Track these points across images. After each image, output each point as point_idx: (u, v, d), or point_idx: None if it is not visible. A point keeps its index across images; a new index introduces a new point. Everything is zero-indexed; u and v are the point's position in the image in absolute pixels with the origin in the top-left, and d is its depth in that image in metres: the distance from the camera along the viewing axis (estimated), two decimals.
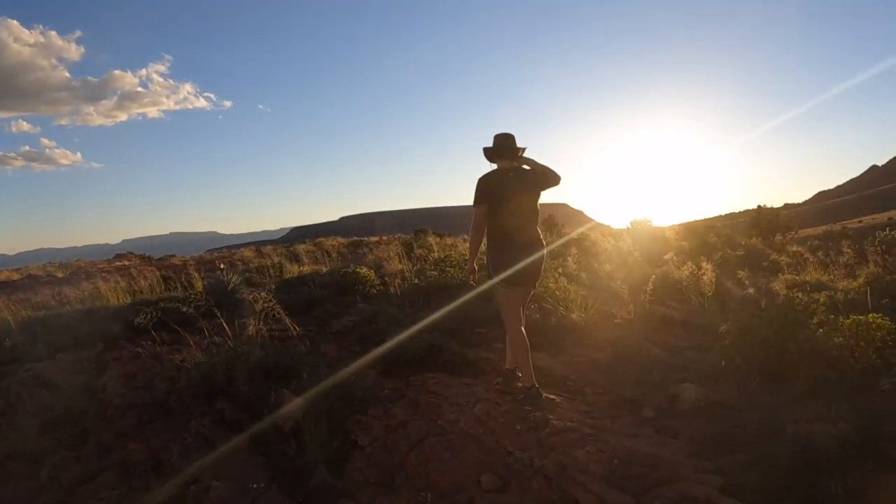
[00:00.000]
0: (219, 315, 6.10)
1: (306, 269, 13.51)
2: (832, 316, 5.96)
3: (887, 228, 24.06)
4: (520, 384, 5.00)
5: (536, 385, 4.85)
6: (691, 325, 7.73)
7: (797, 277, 10.80)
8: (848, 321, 5.60)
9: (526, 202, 4.92)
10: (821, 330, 5.72)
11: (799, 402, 4.76)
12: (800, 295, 6.50)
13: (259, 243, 34.18)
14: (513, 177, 4.92)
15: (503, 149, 4.97)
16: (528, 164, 5.04)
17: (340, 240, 29.49)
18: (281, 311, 6.22)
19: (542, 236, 5.06)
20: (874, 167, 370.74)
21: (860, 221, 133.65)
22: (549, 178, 5.00)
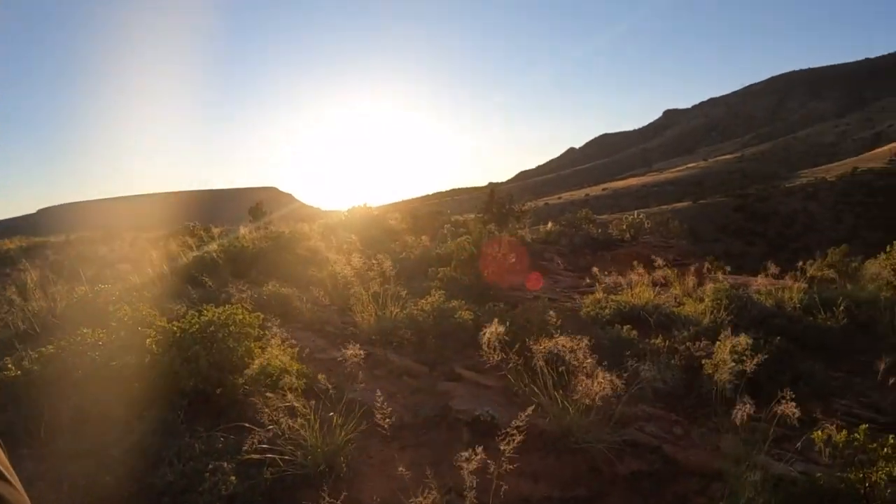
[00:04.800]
0: None
1: None
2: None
3: (636, 212, 24.99)
4: None
5: None
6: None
7: (619, 298, 8.70)
8: None
9: None
10: None
11: None
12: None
13: None
14: None
15: None
16: None
17: (19, 241, 23.18)
18: None
19: None
20: (572, 149, 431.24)
21: (560, 198, 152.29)
22: None
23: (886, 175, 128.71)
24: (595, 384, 4.67)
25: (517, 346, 5.32)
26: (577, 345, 4.88)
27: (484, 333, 5.13)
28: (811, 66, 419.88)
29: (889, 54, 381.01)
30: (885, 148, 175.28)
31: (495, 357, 5.19)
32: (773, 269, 10.08)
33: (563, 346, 4.89)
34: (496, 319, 5.29)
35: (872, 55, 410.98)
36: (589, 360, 4.81)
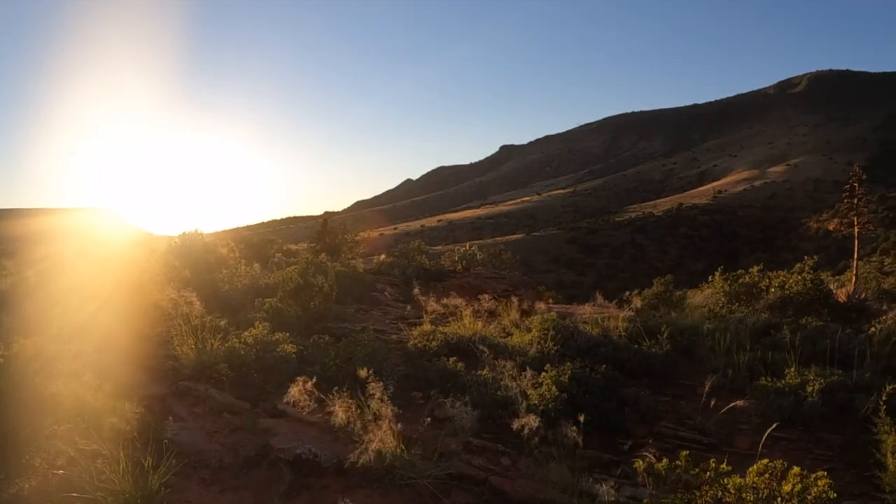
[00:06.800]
0: None
1: None
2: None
3: (469, 244, 25.46)
4: None
5: None
6: None
7: (447, 330, 8.68)
8: None
9: None
10: None
11: None
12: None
13: None
14: None
15: None
16: None
17: None
18: None
19: None
20: (409, 180, 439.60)
21: (395, 228, 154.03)
22: None
23: (710, 211, 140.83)
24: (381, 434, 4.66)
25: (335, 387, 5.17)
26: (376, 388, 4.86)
27: (291, 389, 4.98)
28: (642, 109, 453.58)
29: (715, 101, 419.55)
30: (709, 186, 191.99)
31: (311, 403, 5.00)
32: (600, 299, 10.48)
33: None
34: (303, 378, 5.12)
35: (700, 101, 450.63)
36: (389, 409, 4.79)
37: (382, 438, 4.64)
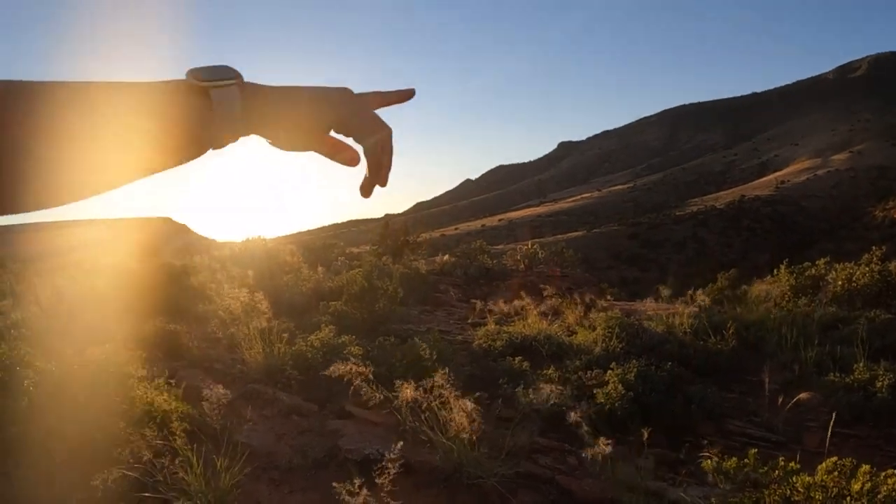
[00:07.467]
0: None
1: None
2: None
3: (531, 242, 25.40)
4: None
5: None
6: None
7: (511, 329, 8.72)
8: None
9: None
10: None
11: None
12: None
13: None
14: None
15: None
16: None
17: None
18: None
19: None
20: (468, 181, 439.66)
21: (456, 229, 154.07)
22: None
23: (773, 202, 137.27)
24: (457, 417, 4.61)
25: (399, 383, 5.19)
26: (443, 379, 4.77)
27: (338, 366, 4.91)
28: (700, 100, 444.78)
29: (773, 88, 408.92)
30: (771, 176, 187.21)
31: (378, 396, 5.01)
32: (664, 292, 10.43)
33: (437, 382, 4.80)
34: (351, 360, 5.12)
35: (758, 89, 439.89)
36: (454, 394, 4.71)
37: (458, 421, 4.65)
